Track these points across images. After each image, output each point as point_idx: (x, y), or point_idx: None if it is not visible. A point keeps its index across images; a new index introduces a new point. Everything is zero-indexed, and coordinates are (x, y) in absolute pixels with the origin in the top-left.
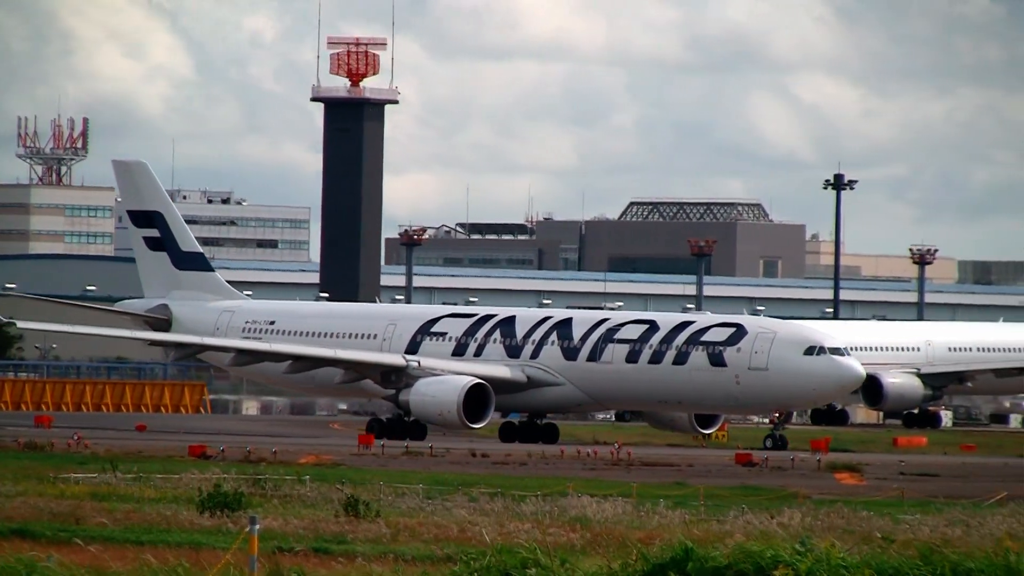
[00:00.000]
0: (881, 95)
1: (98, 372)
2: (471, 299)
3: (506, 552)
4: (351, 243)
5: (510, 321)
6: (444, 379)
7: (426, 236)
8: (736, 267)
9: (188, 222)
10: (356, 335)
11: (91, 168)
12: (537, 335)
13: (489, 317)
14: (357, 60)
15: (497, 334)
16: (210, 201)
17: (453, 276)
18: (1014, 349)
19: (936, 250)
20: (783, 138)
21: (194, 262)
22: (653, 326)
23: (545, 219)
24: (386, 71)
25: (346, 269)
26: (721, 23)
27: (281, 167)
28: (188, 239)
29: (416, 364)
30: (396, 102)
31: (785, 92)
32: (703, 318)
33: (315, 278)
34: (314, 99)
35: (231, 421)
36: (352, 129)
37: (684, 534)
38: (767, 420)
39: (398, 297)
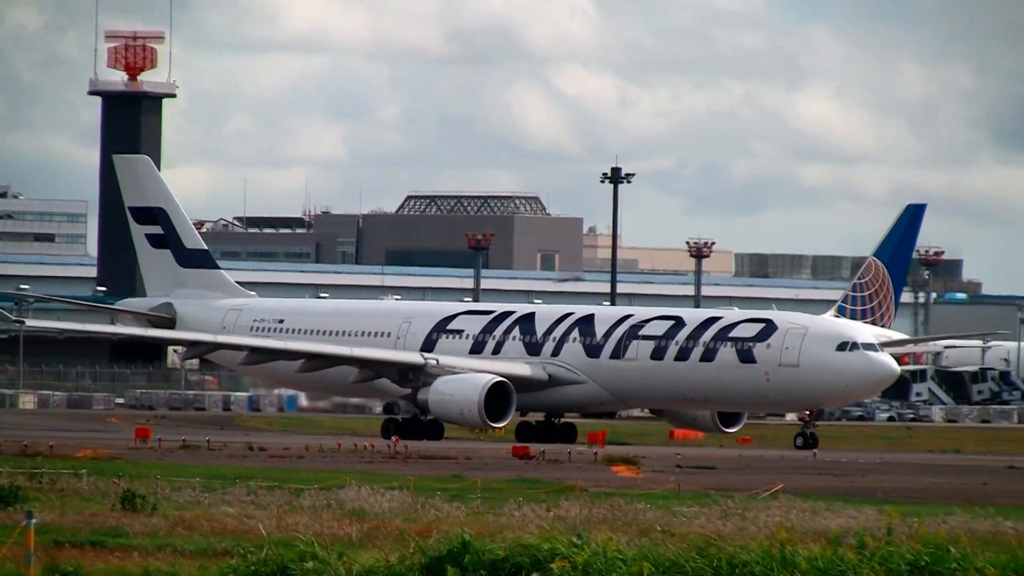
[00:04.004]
0: (642, 87)
1: None
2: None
3: (283, 545)
4: (129, 237)
5: (529, 318)
6: (464, 377)
7: (203, 229)
8: (514, 260)
9: None
10: (369, 333)
11: None
12: (558, 332)
13: (508, 314)
14: (135, 54)
15: (516, 331)
16: None
17: (230, 269)
18: None
19: (713, 243)
20: (548, 131)
21: (199, 259)
22: (679, 322)
23: (323, 213)
24: (163, 65)
25: (124, 263)
26: (481, 15)
27: (56, 161)
28: (192, 236)
29: (435, 362)
30: (174, 95)
31: (547, 84)
32: (731, 314)
33: (93, 272)
34: (92, 92)
35: (7, 415)
36: (130, 123)
37: (461, 527)
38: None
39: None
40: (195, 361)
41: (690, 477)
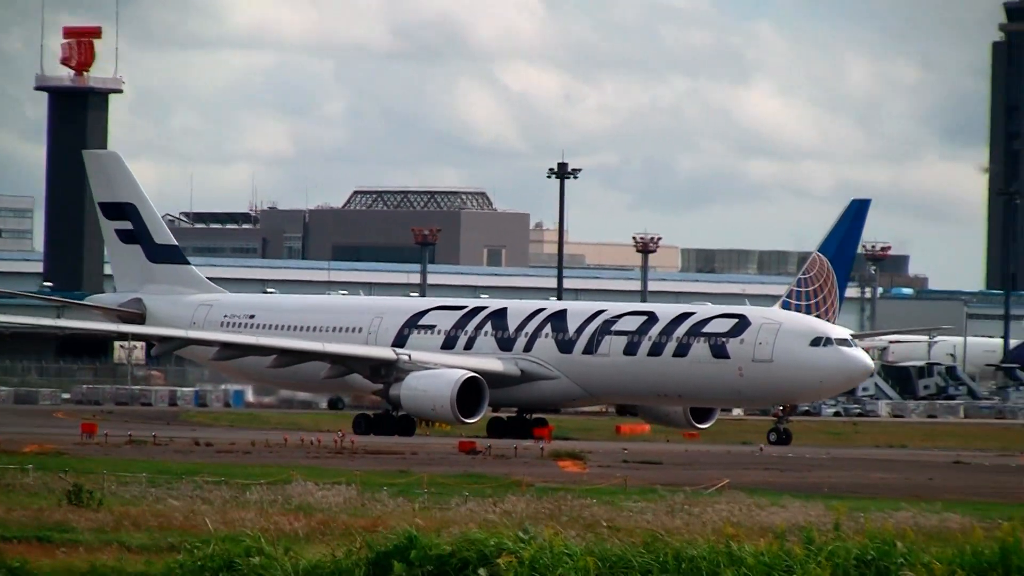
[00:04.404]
0: (588, 83)
1: None
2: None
3: (230, 541)
4: (75, 232)
5: (501, 313)
6: (437, 373)
7: None
8: (460, 256)
9: None
10: (340, 329)
11: None
12: (530, 327)
13: (480, 309)
14: (81, 49)
15: (488, 327)
16: None
17: None
18: None
19: (659, 238)
20: (494, 126)
21: (169, 255)
22: (652, 317)
23: (269, 208)
24: (109, 60)
25: (70, 258)
26: (427, 11)
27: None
28: (162, 232)
29: (407, 357)
30: (120, 91)
31: (493, 80)
32: (704, 309)
33: (39, 267)
34: (38, 88)
35: None
36: (76, 118)
37: (408, 522)
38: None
39: None
40: (140, 356)
41: (636, 472)
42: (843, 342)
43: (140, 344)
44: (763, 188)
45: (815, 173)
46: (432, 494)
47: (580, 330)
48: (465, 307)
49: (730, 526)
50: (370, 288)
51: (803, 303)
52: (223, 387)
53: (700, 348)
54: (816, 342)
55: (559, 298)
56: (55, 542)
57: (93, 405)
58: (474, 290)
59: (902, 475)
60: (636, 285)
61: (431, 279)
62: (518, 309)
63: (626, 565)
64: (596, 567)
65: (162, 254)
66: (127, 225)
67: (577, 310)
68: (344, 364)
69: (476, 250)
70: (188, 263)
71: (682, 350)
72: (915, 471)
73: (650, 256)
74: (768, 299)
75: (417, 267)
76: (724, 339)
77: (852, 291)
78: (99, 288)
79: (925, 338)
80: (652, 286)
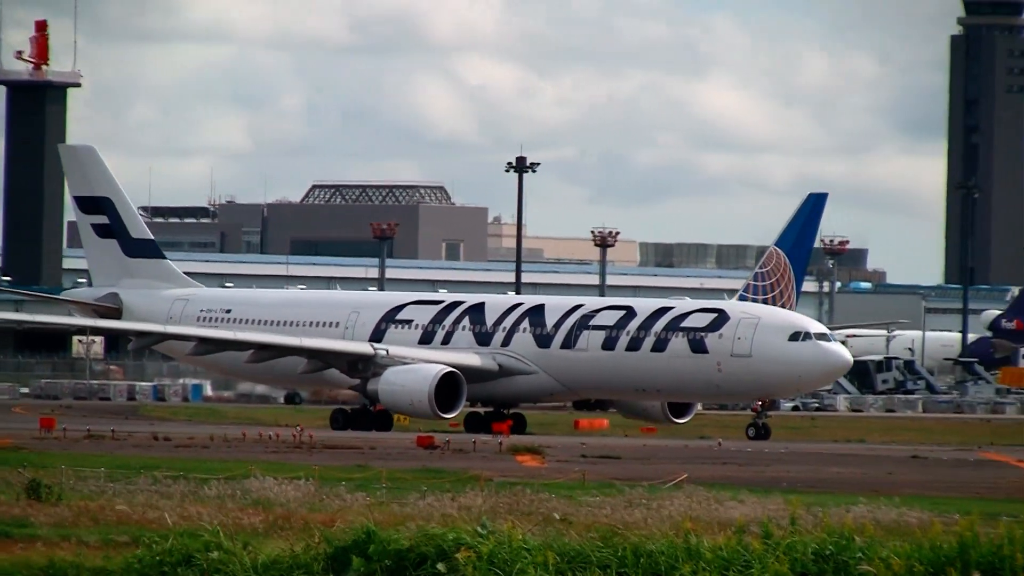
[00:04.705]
0: (545, 76)
1: None
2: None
3: (188, 535)
4: (34, 227)
5: (479, 308)
6: (414, 367)
7: None
8: (419, 250)
9: None
10: (317, 323)
11: None
12: (508, 322)
13: (457, 304)
14: (40, 43)
15: (466, 321)
16: None
17: None
18: None
19: (618, 232)
20: (452, 120)
21: (145, 249)
22: (630, 312)
23: (227, 202)
24: (67, 54)
25: (29, 252)
26: (384, 4)
27: None
28: (139, 226)
29: (384, 352)
30: (79, 85)
31: (450, 74)
32: (682, 304)
33: None
34: None
35: None
36: (35, 112)
37: (366, 517)
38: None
39: (80, 280)
40: (99, 351)
41: (595, 467)
42: (822, 337)
43: (99, 338)
44: (721, 182)
45: (773, 167)
46: (390, 489)
47: (558, 325)
48: (443, 302)
49: (688, 521)
50: (328, 283)
51: (760, 297)
52: (181, 381)
53: (679, 343)
54: (795, 337)
55: (517, 292)
56: (13, 537)
57: (51, 400)
58: (432, 284)
59: (860, 469)
60: (595, 279)
61: (390, 273)
62: (496, 304)
63: (584, 560)
64: (555, 561)
65: (138, 248)
66: (103, 219)
67: (555, 305)
68: (322, 359)
69: (434, 244)
70: (164, 257)
71: (661, 345)
72: (873, 465)
73: (608, 250)
74: (727, 293)
75: (376, 261)
76: (703, 334)
77: (810, 285)
78: (58, 282)
79: (883, 332)
80: (610, 280)
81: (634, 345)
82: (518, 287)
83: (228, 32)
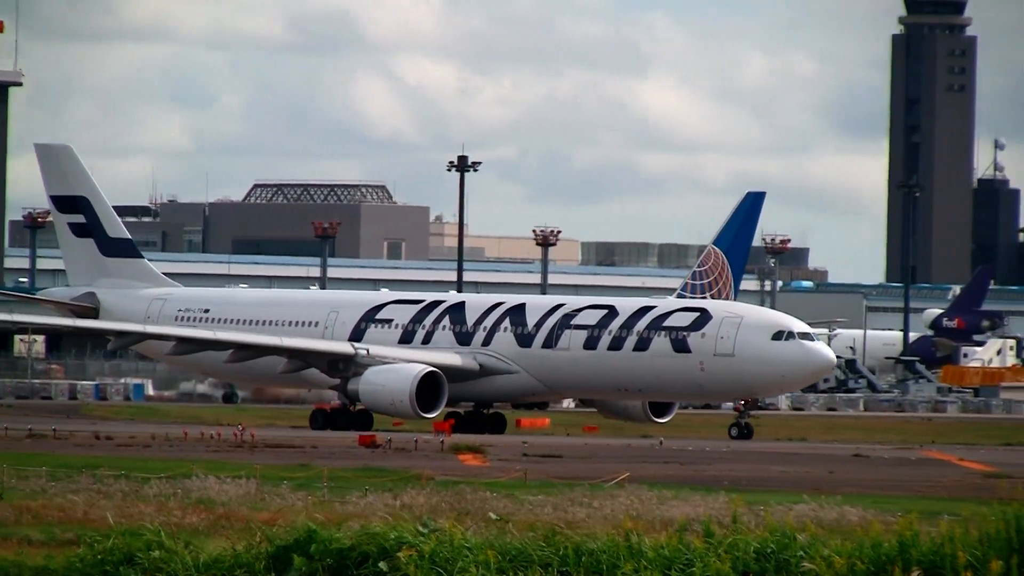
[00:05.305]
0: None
1: None
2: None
3: (130, 534)
4: None
5: (459, 307)
6: (395, 367)
7: (50, 218)
8: (361, 249)
9: None
10: (296, 323)
11: None
12: (489, 321)
13: (437, 303)
14: None
15: (446, 320)
16: None
17: None
18: None
19: (559, 231)
20: (392, 120)
21: (122, 248)
22: (612, 311)
23: (169, 201)
24: (8, 54)
25: None
26: (322, 3)
27: None
28: (116, 225)
29: (365, 352)
30: (20, 84)
31: (390, 74)
32: (665, 303)
33: None
34: None
35: None
36: None
37: (308, 516)
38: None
39: (22, 280)
40: (40, 350)
41: (536, 466)
42: (805, 336)
43: (40, 338)
44: (662, 181)
45: (715, 166)
46: (332, 488)
47: (539, 324)
48: (422, 301)
49: (630, 519)
50: (270, 281)
51: (698, 296)
52: (123, 381)
53: (661, 342)
54: (778, 336)
55: (459, 291)
56: None
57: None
58: (374, 283)
59: (802, 468)
60: (536, 278)
61: (331, 272)
62: (476, 303)
63: (526, 559)
64: (496, 560)
65: (115, 248)
66: (80, 218)
67: (536, 304)
68: (302, 358)
69: (376, 243)
70: (142, 256)
71: (643, 344)
72: (815, 464)
73: (550, 249)
74: (668, 292)
75: (317, 260)
76: (685, 333)
77: (752, 284)
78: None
79: (825, 331)
80: (552, 279)
81: (616, 344)
82: (459, 286)
83: (168, 31)
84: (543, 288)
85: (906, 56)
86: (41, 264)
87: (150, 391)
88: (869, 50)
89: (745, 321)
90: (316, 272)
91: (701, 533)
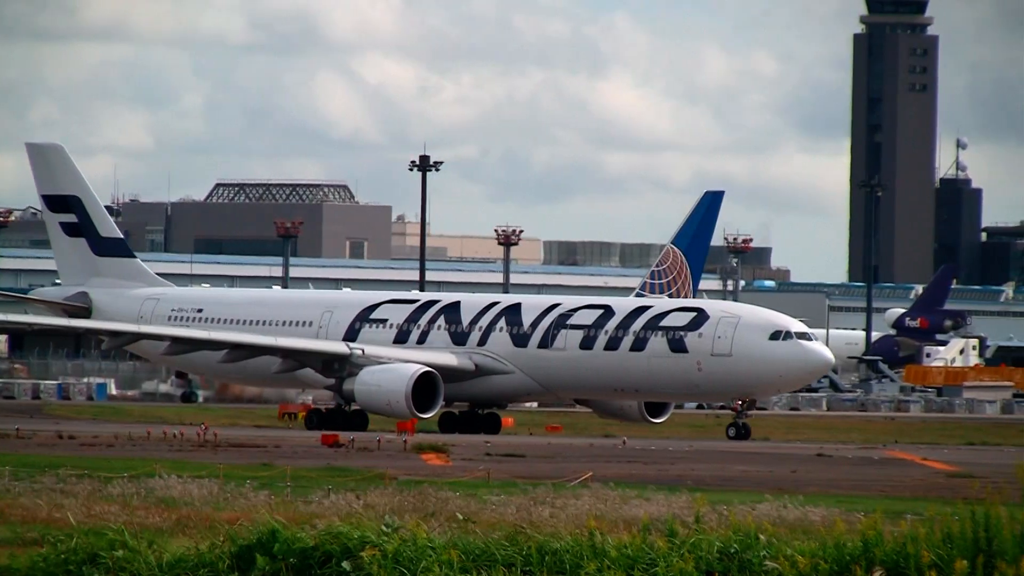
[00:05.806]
0: (445, 75)
1: None
2: (56, 281)
3: (93, 534)
4: None
5: (455, 307)
6: (391, 367)
7: (12, 218)
8: (323, 248)
9: None
10: (290, 323)
11: None
12: (484, 321)
13: (432, 303)
14: None
15: (441, 320)
16: None
17: (40, 258)
18: None
19: (521, 231)
20: (353, 119)
21: (114, 248)
22: (608, 311)
23: (131, 200)
24: None
25: None
26: (283, 3)
27: None
28: (108, 224)
29: (360, 352)
30: None
31: (350, 73)
32: (661, 303)
33: None
34: None
35: None
36: None
37: (270, 515)
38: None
39: None
40: (3, 349)
41: (499, 465)
42: (803, 336)
43: (2, 337)
44: (622, 180)
45: (676, 165)
46: (295, 487)
47: (535, 324)
48: (417, 301)
49: (593, 519)
50: (233, 281)
51: (657, 295)
52: (86, 380)
53: (658, 342)
54: (776, 336)
55: (421, 290)
56: None
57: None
58: (336, 283)
59: (765, 468)
60: (499, 277)
61: (294, 272)
62: (472, 303)
63: (489, 558)
64: (460, 560)
65: (108, 247)
66: (71, 218)
67: (532, 304)
68: (296, 358)
69: (338, 243)
70: (134, 256)
71: (639, 344)
72: (778, 464)
73: (512, 248)
74: (631, 292)
75: (280, 260)
76: (682, 333)
77: (714, 283)
78: None
79: None
80: (514, 279)
81: (612, 344)
82: (422, 285)
83: (129, 31)
84: (505, 287)
85: (868, 55)
86: (4, 264)
87: (113, 390)
88: (830, 49)
89: (743, 321)
90: (278, 272)
91: (665, 533)
